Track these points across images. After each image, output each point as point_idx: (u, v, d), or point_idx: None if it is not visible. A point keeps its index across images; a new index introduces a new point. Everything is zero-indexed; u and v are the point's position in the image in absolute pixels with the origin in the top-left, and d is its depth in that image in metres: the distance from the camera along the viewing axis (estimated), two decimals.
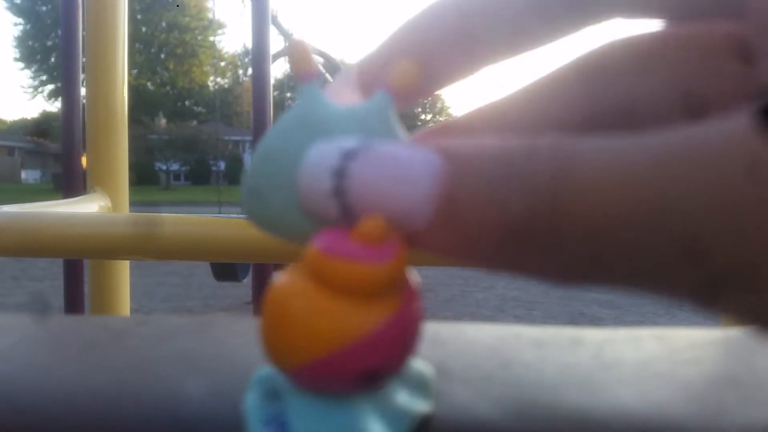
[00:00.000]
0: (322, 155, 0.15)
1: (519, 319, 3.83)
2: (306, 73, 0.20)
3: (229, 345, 0.24)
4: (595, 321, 3.82)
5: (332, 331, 0.16)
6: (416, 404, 0.19)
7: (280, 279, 0.17)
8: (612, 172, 0.11)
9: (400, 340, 0.17)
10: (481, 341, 0.24)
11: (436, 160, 0.13)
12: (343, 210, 0.14)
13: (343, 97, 0.19)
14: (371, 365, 0.17)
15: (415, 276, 0.18)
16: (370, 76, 0.18)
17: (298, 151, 0.19)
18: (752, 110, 0.09)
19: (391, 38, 0.17)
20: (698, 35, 0.12)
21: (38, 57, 28.64)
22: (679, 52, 0.12)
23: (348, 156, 0.14)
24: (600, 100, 0.15)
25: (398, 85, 0.19)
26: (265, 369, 0.20)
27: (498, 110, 0.18)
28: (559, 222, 0.12)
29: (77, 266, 0.96)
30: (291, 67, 0.20)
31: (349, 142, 0.15)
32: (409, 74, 0.20)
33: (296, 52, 0.20)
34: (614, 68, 0.15)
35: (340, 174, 0.14)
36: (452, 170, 0.13)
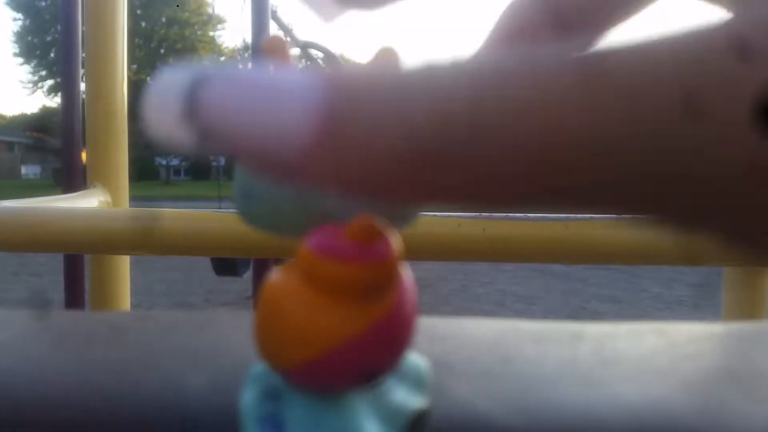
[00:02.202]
0: (170, 78, 0.13)
1: (519, 313, 3.83)
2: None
3: (229, 340, 0.24)
4: (596, 316, 3.83)
5: (325, 331, 0.16)
6: (413, 400, 0.19)
7: (272, 278, 0.17)
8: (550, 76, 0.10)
9: (394, 338, 0.17)
10: (481, 336, 0.24)
11: (316, 81, 0.12)
12: (200, 134, 0.12)
13: None
14: (365, 364, 0.17)
15: (408, 272, 0.17)
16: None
17: None
18: (752, 110, 0.09)
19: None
20: (698, 35, 0.11)
21: (38, 52, 28.58)
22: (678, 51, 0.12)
23: (201, 79, 0.13)
24: None
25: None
26: (260, 365, 0.20)
27: None
28: (480, 132, 0.10)
29: (77, 261, 0.96)
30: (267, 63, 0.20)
31: (200, 68, 0.13)
32: (393, 55, 0.20)
33: (273, 49, 0.20)
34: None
35: (190, 95, 0.12)
36: (341, 88, 0.12)
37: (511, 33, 0.17)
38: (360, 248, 0.17)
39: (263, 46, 0.20)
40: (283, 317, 0.16)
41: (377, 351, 0.17)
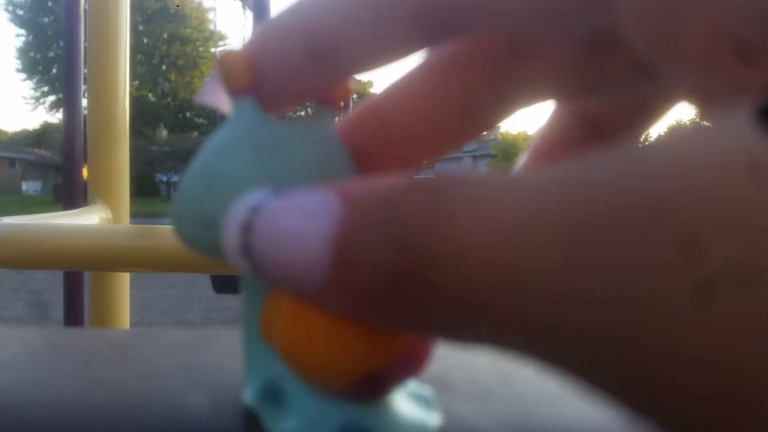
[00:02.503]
0: (236, 209, 0.14)
1: None
2: (241, 88, 0.19)
3: (229, 358, 0.24)
4: None
5: (387, 339, 0.16)
6: (431, 417, 0.19)
7: (284, 301, 0.17)
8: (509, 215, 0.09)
9: (427, 344, 0.17)
10: (482, 356, 0.24)
11: (334, 207, 0.12)
12: (253, 269, 0.13)
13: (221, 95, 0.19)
14: (412, 372, 0.17)
15: None
16: None
17: (256, 175, 0.18)
18: (752, 110, 0.09)
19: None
20: (699, 35, 0.11)
21: (40, 68, 28.74)
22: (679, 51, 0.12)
23: (256, 209, 0.13)
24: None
25: (337, 100, 0.20)
26: (253, 390, 0.19)
27: (405, 90, 0.18)
28: (430, 279, 0.10)
29: (77, 278, 0.96)
30: (223, 80, 0.19)
31: (261, 194, 0.14)
32: (347, 91, 0.20)
33: (228, 65, 0.19)
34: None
35: (246, 229, 0.13)
36: (344, 217, 0.11)
37: (552, 149, 0.18)
38: None
39: (218, 64, 0.20)
40: (337, 332, 0.15)
41: (422, 359, 0.17)
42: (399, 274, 0.10)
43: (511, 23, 0.14)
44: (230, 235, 0.14)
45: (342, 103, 0.20)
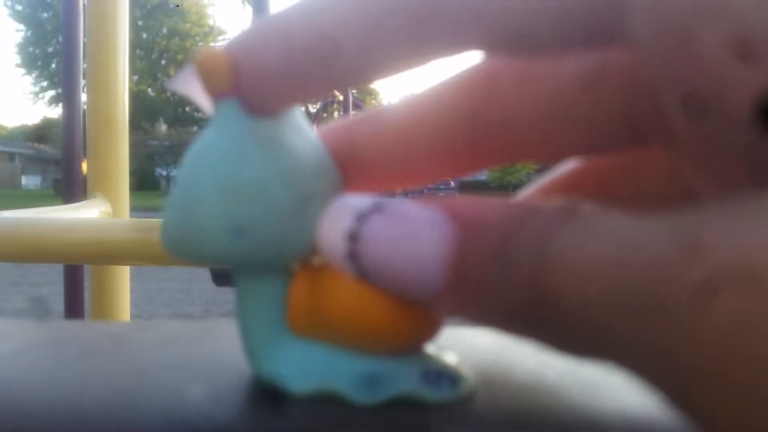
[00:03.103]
0: (337, 216, 0.15)
1: None
2: (225, 90, 0.19)
3: (230, 351, 0.24)
4: None
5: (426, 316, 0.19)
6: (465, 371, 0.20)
7: (339, 283, 0.18)
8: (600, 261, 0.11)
9: None
10: (482, 347, 0.24)
11: (445, 225, 0.13)
12: (359, 273, 0.15)
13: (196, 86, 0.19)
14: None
15: None
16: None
17: (274, 175, 0.19)
18: (752, 111, 0.09)
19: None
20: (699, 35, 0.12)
21: (39, 63, 28.69)
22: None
23: (362, 218, 0.14)
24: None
25: None
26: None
27: (417, 104, 0.18)
28: (551, 301, 0.12)
29: (77, 272, 0.96)
30: (203, 83, 0.19)
31: (363, 203, 0.15)
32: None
33: (210, 66, 0.19)
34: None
35: (354, 238, 0.14)
36: (460, 237, 0.13)
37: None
38: None
39: (198, 65, 0.19)
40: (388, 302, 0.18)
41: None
42: (530, 295, 0.12)
43: (514, 27, 0.13)
44: (334, 242, 0.15)
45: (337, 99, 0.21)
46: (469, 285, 0.13)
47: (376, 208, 0.14)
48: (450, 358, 0.21)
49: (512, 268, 0.12)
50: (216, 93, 0.19)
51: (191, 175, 0.19)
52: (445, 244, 0.13)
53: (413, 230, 0.13)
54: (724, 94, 0.10)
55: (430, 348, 0.21)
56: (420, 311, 0.19)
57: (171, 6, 28.43)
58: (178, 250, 0.20)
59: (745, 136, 0.10)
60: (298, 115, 0.21)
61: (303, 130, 0.20)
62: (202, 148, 0.19)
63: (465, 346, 0.24)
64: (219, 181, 0.19)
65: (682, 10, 0.11)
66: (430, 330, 0.19)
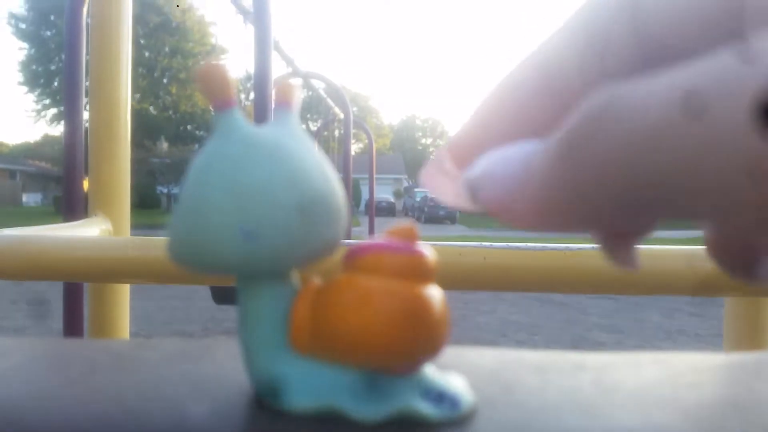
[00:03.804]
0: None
1: (521, 343, 3.80)
2: (226, 101, 0.20)
3: (229, 367, 0.24)
4: (597, 345, 3.80)
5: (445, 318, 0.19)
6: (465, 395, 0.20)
7: (370, 288, 0.19)
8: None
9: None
10: (483, 365, 0.24)
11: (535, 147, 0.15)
12: (474, 203, 0.16)
13: (441, 182, 0.19)
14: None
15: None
16: (463, 152, 0.18)
17: (280, 179, 0.19)
18: (752, 110, 0.09)
19: (478, 113, 0.18)
20: (699, 35, 0.12)
21: (42, 81, 28.85)
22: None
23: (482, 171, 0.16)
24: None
25: (292, 101, 0.22)
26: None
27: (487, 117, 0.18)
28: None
29: (77, 289, 0.96)
30: (206, 94, 0.20)
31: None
32: (292, 88, 0.22)
33: (212, 78, 0.20)
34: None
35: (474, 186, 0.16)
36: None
37: (567, 65, 0.18)
38: (410, 244, 0.19)
39: (200, 76, 0.20)
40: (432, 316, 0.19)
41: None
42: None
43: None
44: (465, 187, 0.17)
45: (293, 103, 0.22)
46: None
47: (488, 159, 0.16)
48: (451, 377, 0.21)
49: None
50: (218, 104, 0.20)
51: (198, 183, 0.20)
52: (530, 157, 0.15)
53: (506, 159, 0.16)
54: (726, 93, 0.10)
55: (432, 367, 0.21)
56: (420, 330, 0.19)
57: (174, 25, 28.66)
58: (186, 260, 0.20)
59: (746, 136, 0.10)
60: (295, 123, 0.21)
61: (301, 138, 0.21)
62: (207, 157, 0.20)
63: (466, 366, 0.24)
64: (227, 186, 0.19)
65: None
66: (432, 349, 0.19)
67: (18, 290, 4.99)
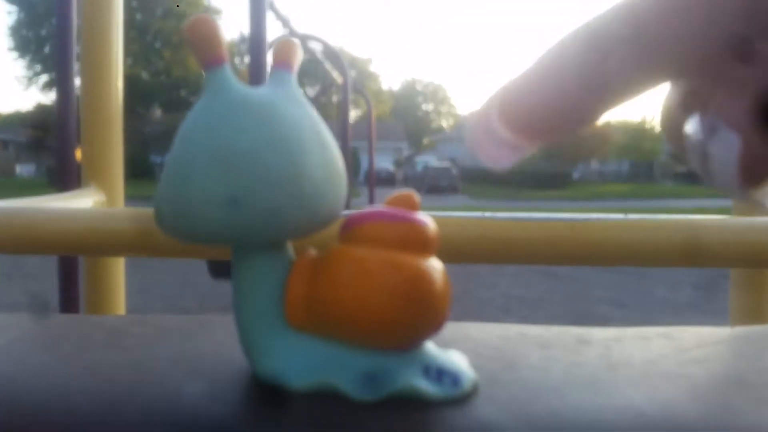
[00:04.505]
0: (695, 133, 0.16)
1: (524, 318, 3.83)
2: (215, 58, 0.19)
3: (225, 345, 0.23)
4: (602, 320, 3.83)
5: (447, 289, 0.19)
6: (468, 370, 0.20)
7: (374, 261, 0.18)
8: None
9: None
10: (485, 341, 0.24)
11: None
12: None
13: (491, 145, 0.18)
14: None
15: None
16: (516, 105, 0.17)
17: (267, 144, 0.18)
18: (752, 110, 0.09)
19: (534, 67, 0.17)
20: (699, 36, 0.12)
21: (32, 47, 28.44)
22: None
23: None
24: None
25: (292, 61, 0.21)
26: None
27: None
28: None
29: (72, 264, 0.95)
30: (194, 51, 0.19)
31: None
32: (292, 47, 0.21)
33: (200, 33, 0.19)
34: None
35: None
36: None
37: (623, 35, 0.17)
38: (409, 213, 0.19)
39: (188, 31, 0.19)
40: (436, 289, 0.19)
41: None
42: None
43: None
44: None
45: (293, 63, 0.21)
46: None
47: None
48: (452, 354, 0.20)
49: None
50: (206, 61, 0.19)
51: (183, 148, 0.19)
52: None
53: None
54: None
55: (432, 344, 0.20)
56: (421, 305, 0.18)
57: None
58: (175, 228, 0.19)
59: None
60: (294, 85, 0.20)
61: (299, 101, 0.20)
62: (193, 119, 0.19)
63: (468, 342, 0.24)
64: (211, 152, 0.18)
65: None
66: (432, 325, 0.19)
67: (13, 263, 5.00)
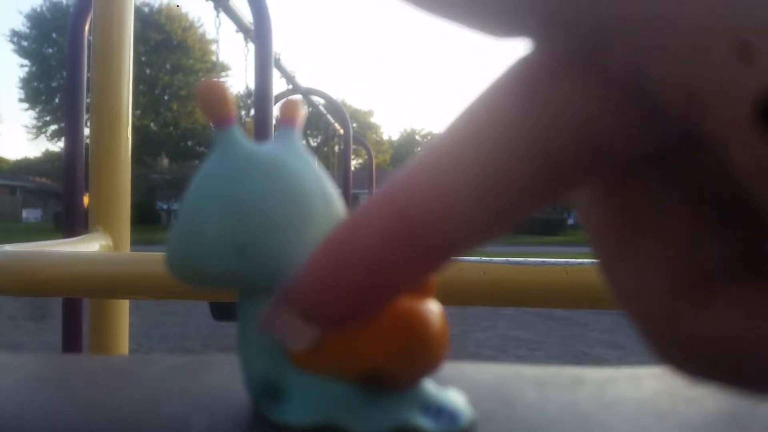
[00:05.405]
0: None
1: (521, 359, 3.78)
2: (225, 118, 0.20)
3: (230, 384, 0.24)
4: (598, 361, 3.78)
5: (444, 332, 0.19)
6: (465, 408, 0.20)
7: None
8: None
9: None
10: (482, 380, 0.24)
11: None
12: None
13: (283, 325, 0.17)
14: (420, 373, 0.20)
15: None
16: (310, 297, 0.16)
17: (275, 197, 0.19)
18: (752, 111, 0.09)
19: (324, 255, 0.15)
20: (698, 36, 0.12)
21: (43, 98, 28.96)
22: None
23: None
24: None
25: (296, 118, 0.22)
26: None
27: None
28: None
29: (76, 305, 0.96)
30: (205, 112, 0.20)
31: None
32: (296, 106, 0.22)
33: (211, 95, 0.20)
34: None
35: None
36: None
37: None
38: None
39: (200, 93, 0.21)
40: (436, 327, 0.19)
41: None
42: None
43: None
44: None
45: (298, 120, 0.22)
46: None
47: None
48: (450, 391, 0.21)
49: None
50: (216, 121, 0.20)
51: (195, 199, 0.20)
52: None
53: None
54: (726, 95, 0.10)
55: (431, 382, 0.21)
56: (420, 346, 0.19)
57: (175, 42, 28.82)
58: (183, 273, 0.21)
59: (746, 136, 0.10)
60: (298, 141, 0.22)
61: (302, 155, 0.21)
62: (204, 174, 0.21)
63: (465, 380, 0.24)
64: (220, 203, 0.20)
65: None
66: (431, 364, 0.19)
67: (16, 306, 4.97)
